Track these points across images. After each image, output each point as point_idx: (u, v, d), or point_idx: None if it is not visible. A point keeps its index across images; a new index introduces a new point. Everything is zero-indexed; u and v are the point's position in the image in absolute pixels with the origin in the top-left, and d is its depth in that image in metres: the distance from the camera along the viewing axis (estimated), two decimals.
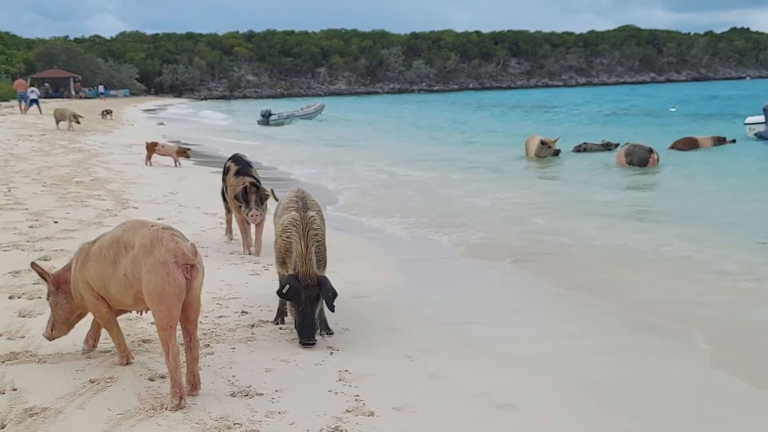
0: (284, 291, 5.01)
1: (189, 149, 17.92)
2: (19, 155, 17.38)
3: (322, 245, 5.27)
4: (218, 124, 41.40)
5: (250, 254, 7.92)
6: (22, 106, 37.68)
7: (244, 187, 7.69)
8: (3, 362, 4.63)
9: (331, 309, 5.03)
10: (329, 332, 5.34)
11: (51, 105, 40.24)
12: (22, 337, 5.07)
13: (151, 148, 17.04)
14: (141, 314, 4.84)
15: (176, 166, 16.71)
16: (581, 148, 20.59)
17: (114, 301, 4.45)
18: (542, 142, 19.42)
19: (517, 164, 19.02)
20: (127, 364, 4.62)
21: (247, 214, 7.70)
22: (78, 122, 27.19)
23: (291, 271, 5.10)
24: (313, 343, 5.02)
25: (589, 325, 5.95)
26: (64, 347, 4.88)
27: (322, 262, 5.23)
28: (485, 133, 30.72)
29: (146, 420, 3.88)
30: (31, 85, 47.96)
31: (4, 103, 38.59)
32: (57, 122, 27.40)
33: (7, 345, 4.90)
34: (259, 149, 23.27)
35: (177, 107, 63.30)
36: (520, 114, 45.68)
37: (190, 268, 4.09)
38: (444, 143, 26.12)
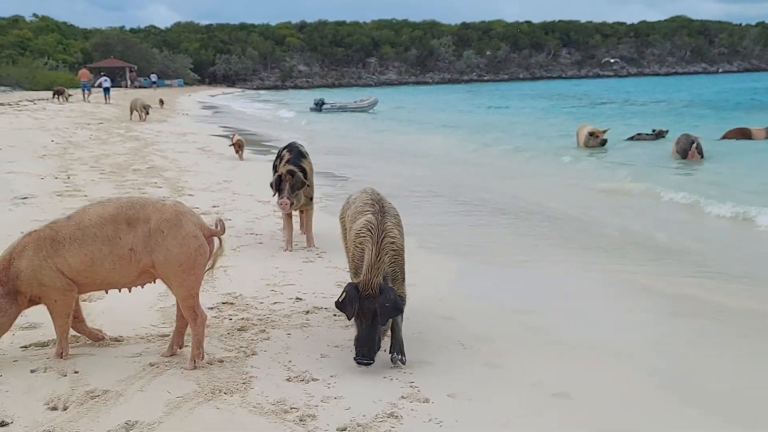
0: (339, 300, 4.50)
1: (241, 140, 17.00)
2: (77, 143, 17.83)
3: (399, 255, 4.67)
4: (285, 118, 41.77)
5: (290, 251, 7.64)
6: (85, 95, 39.13)
7: (278, 175, 7.54)
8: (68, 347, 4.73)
9: (382, 321, 4.45)
10: (401, 359, 4.57)
11: (111, 94, 41.33)
12: (81, 321, 5.18)
13: (238, 144, 16.20)
14: (120, 291, 4.73)
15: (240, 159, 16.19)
16: (634, 138, 20.78)
17: (96, 282, 4.40)
18: (590, 133, 19.48)
19: (567, 153, 18.80)
20: (63, 356, 4.49)
21: (276, 202, 7.58)
22: (147, 113, 27.47)
23: None
24: (369, 363, 4.40)
25: (648, 312, 5.82)
26: (123, 331, 4.97)
27: (398, 275, 4.65)
28: (536, 122, 30.40)
29: (205, 403, 3.93)
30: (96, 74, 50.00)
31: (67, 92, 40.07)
32: (131, 112, 27.77)
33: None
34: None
35: (241, 101, 63.94)
36: (571, 104, 45.02)
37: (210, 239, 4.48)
38: (497, 132, 25.89)
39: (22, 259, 4.30)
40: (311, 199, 7.89)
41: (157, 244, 4.31)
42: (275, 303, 5.77)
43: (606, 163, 16.78)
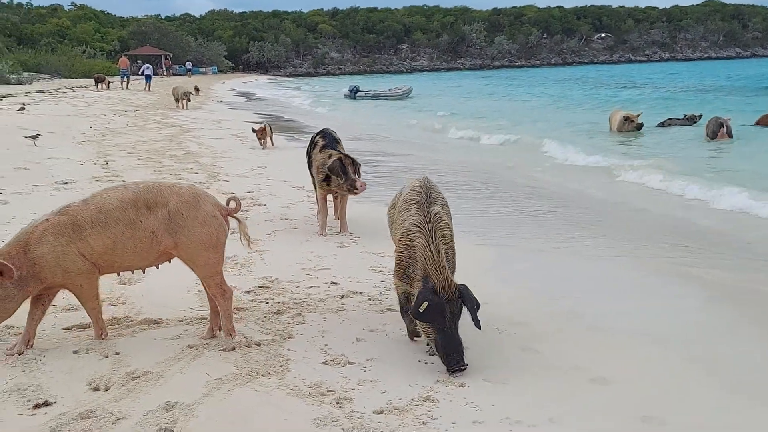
0: (422, 310, 4.03)
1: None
2: (115, 130, 18.07)
3: (451, 248, 4.36)
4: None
5: (324, 236, 7.68)
6: (123, 82, 40.25)
7: (339, 159, 7.45)
8: (106, 327, 4.82)
9: (478, 325, 4.12)
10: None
11: (142, 83, 41.89)
12: (123, 303, 5.28)
13: (262, 132, 15.49)
14: (132, 272, 4.93)
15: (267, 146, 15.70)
16: (665, 124, 20.34)
17: (115, 264, 4.46)
18: (625, 117, 19.17)
19: (600, 138, 18.60)
20: (104, 336, 4.56)
21: (351, 185, 7.40)
22: (189, 100, 27.61)
23: (416, 285, 4.20)
24: (465, 368, 4.09)
25: (687, 298, 5.74)
26: (162, 314, 5.04)
27: (450, 268, 4.32)
28: (568, 107, 30.05)
29: (243, 385, 3.97)
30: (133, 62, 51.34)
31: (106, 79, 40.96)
32: (176, 101, 27.95)
33: (109, 311, 5.11)
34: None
35: (273, 88, 64.23)
36: (603, 89, 44.41)
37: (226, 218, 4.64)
38: (533, 118, 25.66)
39: (41, 245, 4.25)
40: None
41: (178, 225, 4.42)
42: (311, 287, 5.81)
43: (638, 148, 16.55)
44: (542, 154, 15.95)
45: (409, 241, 4.25)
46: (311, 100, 40.09)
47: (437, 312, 4.02)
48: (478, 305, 4.16)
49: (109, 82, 39.90)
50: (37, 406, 3.66)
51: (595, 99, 35.16)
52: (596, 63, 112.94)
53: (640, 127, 19.01)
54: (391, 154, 15.54)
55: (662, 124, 20.44)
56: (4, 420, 3.51)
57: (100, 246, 4.35)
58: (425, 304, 4.02)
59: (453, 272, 4.35)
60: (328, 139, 7.91)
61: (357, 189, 7.45)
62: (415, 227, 4.25)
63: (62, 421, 3.51)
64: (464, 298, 4.10)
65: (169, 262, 4.69)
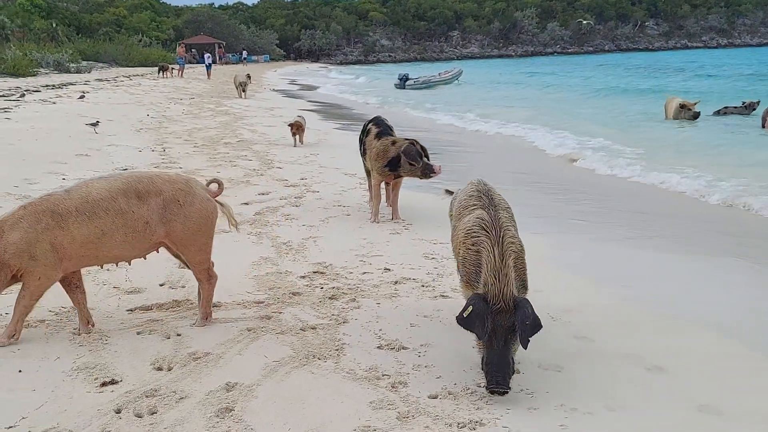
0: (464, 315, 3.72)
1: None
2: (171, 117, 18.44)
3: (521, 259, 3.97)
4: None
5: (377, 222, 7.72)
6: (179, 71, 42.10)
7: (411, 144, 7.45)
8: (167, 310, 4.97)
9: (524, 344, 3.68)
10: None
11: (198, 71, 42.74)
12: (183, 287, 5.41)
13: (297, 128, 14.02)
14: (101, 267, 4.77)
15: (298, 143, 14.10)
16: (721, 112, 19.69)
17: (101, 255, 4.39)
18: (681, 105, 18.66)
19: (657, 126, 18.19)
20: (15, 338, 4.33)
21: (431, 169, 7.34)
22: (244, 90, 27.61)
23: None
24: (506, 391, 3.65)
25: (748, 287, 5.64)
26: (220, 297, 5.15)
27: (521, 282, 3.95)
28: (622, 94, 29.48)
29: (300, 368, 4.05)
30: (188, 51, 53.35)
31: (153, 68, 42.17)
32: (236, 88, 27.87)
33: (170, 294, 5.25)
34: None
35: (324, 76, 64.44)
36: (658, 76, 43.37)
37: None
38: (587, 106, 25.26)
39: (15, 231, 4.19)
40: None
41: (174, 214, 4.45)
42: (364, 273, 5.87)
43: (695, 135, 16.15)
44: (592, 145, 15.71)
45: (473, 245, 3.93)
46: (363, 88, 40.13)
47: (478, 320, 3.69)
48: (536, 324, 3.70)
49: (172, 68, 41.49)
50: (104, 384, 3.80)
51: (648, 87, 34.37)
52: (651, 50, 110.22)
53: (696, 115, 18.47)
54: (443, 143, 15.50)
55: (718, 113, 19.81)
56: (74, 397, 3.66)
57: (85, 236, 4.28)
58: (470, 308, 3.72)
59: (525, 288, 3.98)
60: (382, 126, 7.95)
61: (434, 172, 7.39)
62: (480, 229, 3.94)
63: (128, 398, 3.64)
64: (517, 311, 3.68)
65: (157, 251, 4.71)
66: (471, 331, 3.75)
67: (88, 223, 4.28)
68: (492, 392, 3.65)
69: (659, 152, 13.32)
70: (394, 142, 7.59)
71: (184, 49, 47.18)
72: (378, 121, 8.09)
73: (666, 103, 19.79)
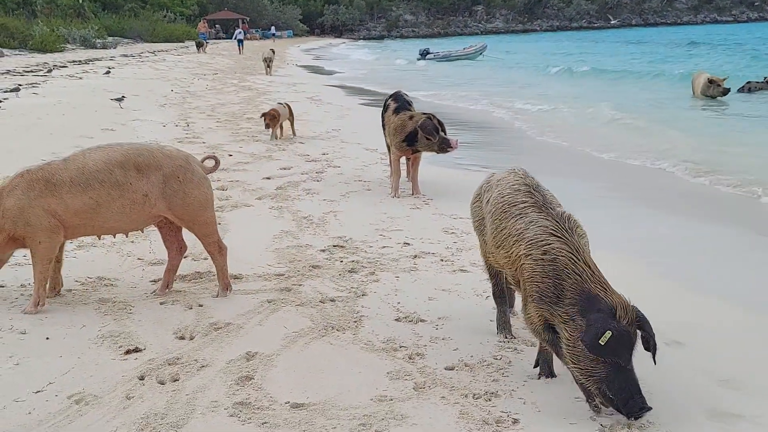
0: (604, 342, 3.10)
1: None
2: (194, 93, 18.56)
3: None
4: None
5: (397, 197, 7.72)
6: (203, 46, 43.03)
7: (428, 118, 7.42)
8: (189, 281, 5.06)
9: (655, 359, 3.34)
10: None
11: (222, 47, 42.91)
12: (206, 259, 5.48)
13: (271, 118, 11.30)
14: (99, 238, 4.94)
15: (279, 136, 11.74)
16: (745, 89, 19.13)
17: (96, 225, 4.46)
18: (710, 81, 18.21)
19: (684, 103, 17.95)
20: (40, 306, 4.40)
21: (448, 143, 7.36)
22: (269, 65, 27.07)
23: (568, 310, 3.26)
24: (650, 408, 3.22)
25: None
26: (241, 269, 5.23)
27: None
28: (647, 68, 29.05)
29: (319, 339, 4.12)
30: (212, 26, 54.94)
31: (179, 44, 42.61)
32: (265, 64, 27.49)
33: (192, 265, 5.34)
34: None
35: (346, 50, 64.07)
36: (686, 50, 42.64)
37: None
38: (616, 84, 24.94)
39: (10, 197, 4.29)
40: None
41: (174, 189, 4.48)
42: (384, 247, 5.92)
43: (724, 114, 15.91)
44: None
45: (544, 254, 3.36)
46: (386, 63, 39.96)
47: (624, 343, 3.12)
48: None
49: (207, 44, 42.92)
50: (128, 352, 3.89)
51: (676, 61, 33.83)
52: (679, 24, 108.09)
53: (726, 92, 18.01)
54: (467, 120, 15.45)
55: (742, 89, 19.30)
56: (100, 363, 3.76)
57: (80, 206, 4.33)
58: (608, 333, 3.07)
59: None
60: (400, 101, 7.94)
61: (451, 146, 7.41)
62: (550, 237, 3.39)
63: (151, 366, 3.74)
64: (642, 323, 3.23)
65: (156, 225, 4.77)
66: (616, 358, 3.14)
67: (82, 193, 4.34)
68: (638, 416, 3.20)
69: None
70: (411, 117, 7.60)
71: (206, 24, 47.68)
72: (397, 97, 8.09)
73: (693, 78, 19.34)
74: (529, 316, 3.49)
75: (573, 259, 3.30)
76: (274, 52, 28.94)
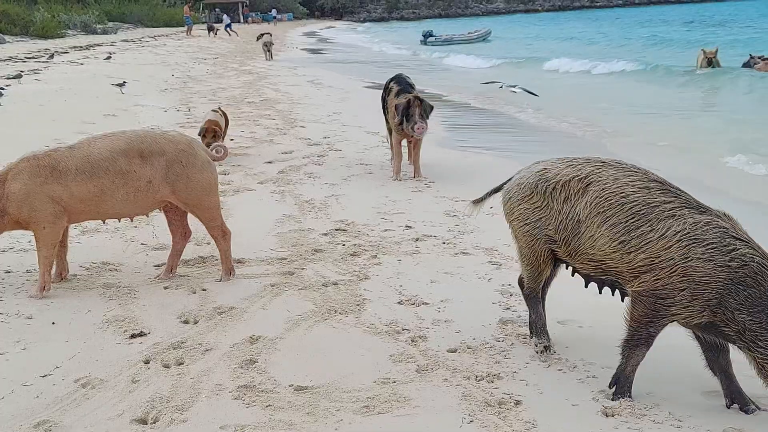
0: None
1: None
2: (195, 77, 18.54)
3: None
4: None
5: (399, 180, 7.72)
6: (188, 30, 43.15)
7: (407, 100, 7.41)
8: (193, 266, 5.09)
9: None
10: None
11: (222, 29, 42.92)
12: (208, 243, 5.50)
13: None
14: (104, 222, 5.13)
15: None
16: (751, 63, 19.08)
17: (101, 211, 4.53)
18: (703, 51, 18.60)
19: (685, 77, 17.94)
20: (46, 290, 4.45)
21: (411, 128, 7.36)
22: (269, 51, 26.64)
23: (754, 321, 3.10)
24: None
25: None
26: (244, 254, 5.25)
27: None
28: (657, 49, 28.90)
29: (321, 322, 4.16)
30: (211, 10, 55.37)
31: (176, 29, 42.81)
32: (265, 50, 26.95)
33: (196, 250, 5.36)
34: None
35: (347, 34, 63.83)
36: (696, 29, 42.35)
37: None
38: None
39: (16, 181, 4.34)
40: None
41: (177, 174, 4.52)
42: (386, 230, 5.94)
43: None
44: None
45: (730, 260, 3.10)
46: (385, 47, 39.78)
47: None
48: None
49: (217, 29, 43.46)
50: (133, 336, 3.93)
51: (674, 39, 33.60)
52: (684, 2, 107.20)
53: (710, 63, 18.39)
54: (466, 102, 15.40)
55: (747, 64, 19.30)
56: (105, 348, 3.80)
57: (84, 193, 4.39)
58: None
59: None
60: (402, 84, 7.92)
61: (414, 131, 7.39)
62: (735, 241, 3.13)
63: (156, 350, 3.77)
64: None
65: (160, 210, 4.82)
66: None
67: (88, 181, 4.39)
68: None
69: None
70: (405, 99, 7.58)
71: (189, 7, 48.29)
72: (399, 79, 8.07)
73: (698, 55, 19.74)
74: (658, 315, 3.29)
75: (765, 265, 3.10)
76: (272, 35, 28.72)
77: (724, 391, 3.36)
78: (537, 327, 3.86)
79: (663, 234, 3.22)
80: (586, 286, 3.69)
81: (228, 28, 45.23)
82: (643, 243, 3.26)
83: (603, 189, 3.40)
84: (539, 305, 3.88)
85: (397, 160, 7.88)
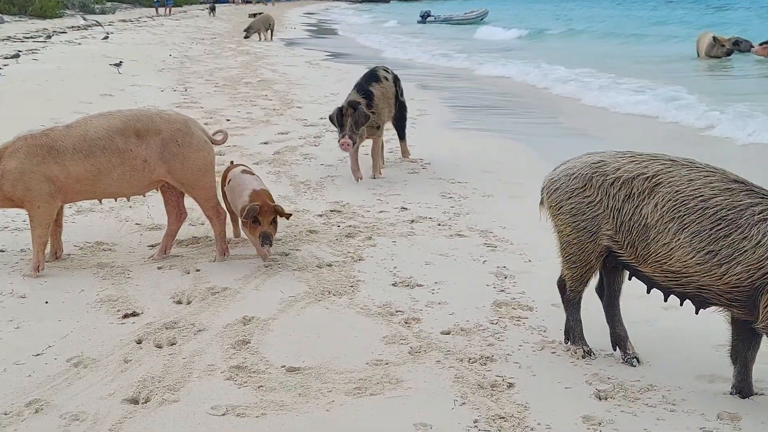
0: None
1: None
2: (193, 57, 18.43)
3: None
4: None
5: (360, 179, 6.87)
6: (167, 10, 42.15)
7: (339, 108, 6.67)
8: (187, 246, 5.07)
9: None
10: None
11: (221, 9, 42.69)
12: (202, 224, 5.48)
13: None
14: (100, 202, 5.13)
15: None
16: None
17: (98, 191, 4.53)
18: (714, 38, 18.02)
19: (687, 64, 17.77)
20: (40, 270, 4.42)
21: (338, 140, 6.61)
22: (270, 31, 25.94)
23: None
24: None
25: None
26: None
27: None
28: (653, 29, 28.72)
29: (315, 303, 4.15)
30: None
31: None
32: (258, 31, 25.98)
33: (190, 230, 5.34)
34: None
35: (344, 14, 63.49)
36: (692, 9, 42.04)
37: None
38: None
39: (12, 159, 4.31)
40: (378, 127, 6.96)
41: (173, 153, 4.51)
42: (381, 212, 5.92)
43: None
44: None
45: None
46: (383, 26, 39.56)
47: None
48: None
49: (170, 9, 42.83)
50: (125, 316, 3.92)
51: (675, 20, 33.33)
52: None
53: (730, 52, 17.87)
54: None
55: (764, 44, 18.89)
56: (98, 327, 3.79)
57: (81, 172, 4.38)
58: None
59: None
60: (364, 77, 7.21)
61: (339, 146, 6.64)
62: None
63: (149, 330, 3.77)
64: None
65: (157, 190, 4.82)
66: None
67: (84, 160, 4.38)
68: None
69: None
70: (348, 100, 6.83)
71: None
72: (366, 73, 7.40)
73: (698, 39, 19.14)
74: None
75: None
76: (255, 15, 28.14)
77: (734, 381, 3.28)
78: (575, 334, 3.64)
79: (759, 241, 2.98)
80: (648, 292, 3.46)
81: (167, 5, 42.85)
82: (736, 253, 3.02)
83: (677, 191, 3.13)
84: (579, 311, 3.63)
85: (353, 159, 6.91)
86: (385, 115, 7.14)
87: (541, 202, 3.63)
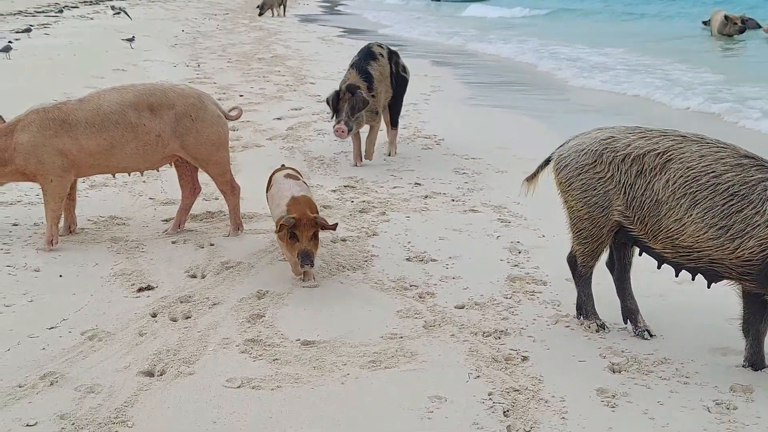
0: None
1: None
2: (205, 33, 18.35)
3: None
4: None
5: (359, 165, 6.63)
6: None
7: (336, 92, 6.28)
8: (201, 220, 5.07)
9: None
10: None
11: None
12: (216, 199, 5.46)
13: None
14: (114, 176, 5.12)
15: None
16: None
17: (111, 165, 4.52)
18: (726, 17, 17.80)
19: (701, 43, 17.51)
20: (54, 244, 4.43)
21: (333, 128, 6.21)
22: (282, 6, 25.63)
23: None
24: None
25: None
26: (254, 209, 5.22)
27: None
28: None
29: (329, 278, 4.15)
30: None
31: None
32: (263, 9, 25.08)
33: (204, 205, 5.34)
34: None
35: None
36: None
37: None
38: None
39: (24, 133, 4.31)
40: (377, 113, 6.61)
41: (186, 128, 4.49)
42: (395, 187, 5.90)
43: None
44: None
45: None
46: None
47: None
48: None
49: None
50: (140, 290, 3.93)
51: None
52: None
53: (742, 30, 17.66)
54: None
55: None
56: (113, 301, 3.81)
57: (94, 146, 4.38)
58: None
59: None
60: (360, 55, 6.85)
61: (334, 131, 6.22)
62: None
63: (164, 303, 3.78)
64: None
65: (170, 165, 4.81)
66: None
67: (97, 134, 4.38)
68: None
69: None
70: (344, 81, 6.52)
71: None
72: (361, 50, 7.01)
73: (711, 16, 18.90)
74: None
75: None
76: None
77: (746, 354, 3.28)
78: (587, 309, 3.64)
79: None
80: (659, 267, 3.47)
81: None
82: (749, 227, 3.03)
83: (688, 167, 3.14)
84: (590, 286, 3.64)
85: (355, 144, 6.67)
86: (383, 98, 6.70)
87: (533, 176, 3.70)
